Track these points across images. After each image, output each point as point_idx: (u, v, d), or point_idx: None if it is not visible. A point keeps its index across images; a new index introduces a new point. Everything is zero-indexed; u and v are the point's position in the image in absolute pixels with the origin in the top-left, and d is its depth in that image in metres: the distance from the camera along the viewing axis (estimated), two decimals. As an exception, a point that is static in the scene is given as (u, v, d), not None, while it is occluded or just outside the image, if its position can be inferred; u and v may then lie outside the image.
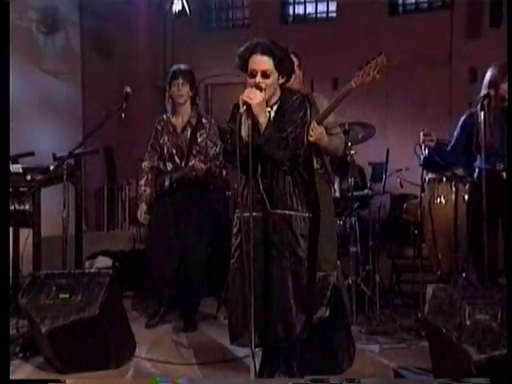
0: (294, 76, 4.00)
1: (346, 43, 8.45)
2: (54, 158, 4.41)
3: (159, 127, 4.57)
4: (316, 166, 4.05)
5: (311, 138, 3.87)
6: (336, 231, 4.26)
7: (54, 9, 7.73)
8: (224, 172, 4.42)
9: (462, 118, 4.18)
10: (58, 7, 7.77)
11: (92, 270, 4.37)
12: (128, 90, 4.25)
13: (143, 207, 4.58)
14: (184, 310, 4.63)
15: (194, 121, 4.48)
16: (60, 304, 3.58)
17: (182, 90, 4.42)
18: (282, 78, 3.12)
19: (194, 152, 4.43)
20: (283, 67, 3.09)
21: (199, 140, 4.45)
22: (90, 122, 7.60)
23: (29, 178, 4.46)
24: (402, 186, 5.87)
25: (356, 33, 8.58)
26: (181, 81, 4.42)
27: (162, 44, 9.84)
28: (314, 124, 3.83)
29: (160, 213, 4.54)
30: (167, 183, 4.47)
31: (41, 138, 6.78)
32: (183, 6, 8.64)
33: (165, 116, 4.58)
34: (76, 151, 4.31)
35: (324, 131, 3.88)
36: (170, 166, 4.50)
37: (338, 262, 4.14)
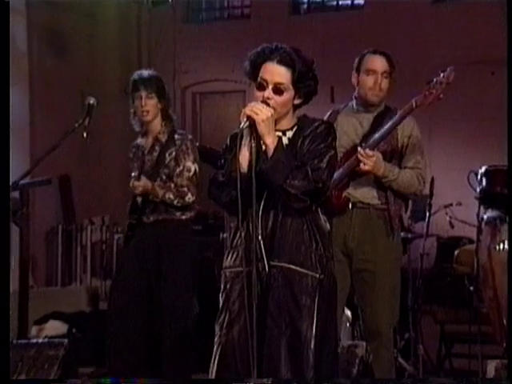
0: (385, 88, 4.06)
1: (377, 39, 8.52)
2: (-7, 190, 4.42)
3: (131, 155, 4.66)
4: (376, 201, 4.09)
5: (365, 167, 3.93)
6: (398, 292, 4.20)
7: (-11, -7, 7.81)
8: (190, 200, 4.47)
9: None
10: (-4, -9, 7.86)
11: (41, 340, 4.34)
12: (91, 101, 4.27)
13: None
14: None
15: (163, 138, 4.53)
16: (-2, 386, 3.55)
17: (148, 103, 4.46)
18: (299, 98, 3.09)
19: (163, 176, 4.48)
20: (303, 84, 3.06)
21: (167, 160, 4.50)
22: (41, 142, 7.64)
23: (-42, 216, 4.47)
24: (452, 226, 5.86)
25: (390, 25, 8.68)
26: (144, 93, 4.45)
27: (135, 40, 9.94)
28: (366, 150, 3.89)
29: (125, 264, 4.59)
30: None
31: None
32: (163, -9, 8.75)
33: (138, 141, 4.66)
34: (22, 181, 4.32)
35: (380, 158, 3.94)
36: (139, 200, 4.53)
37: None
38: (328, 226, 3.13)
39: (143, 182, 4.40)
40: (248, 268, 2.97)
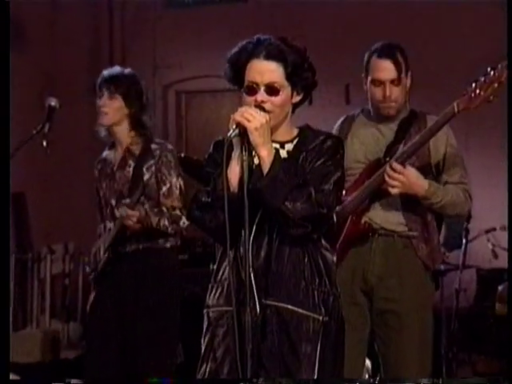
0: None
1: (400, 29, 8.55)
2: None
3: (96, 172, 4.73)
4: (402, 227, 4.05)
5: (393, 190, 3.89)
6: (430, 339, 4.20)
7: None
8: (184, 225, 4.45)
9: None
10: None
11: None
12: (53, 102, 4.28)
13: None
14: None
15: (136, 149, 4.57)
16: None
17: (107, 104, 4.52)
18: (297, 94, 3.12)
19: (141, 196, 4.48)
20: (300, 78, 3.09)
21: (146, 177, 4.53)
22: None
23: None
24: (495, 255, 5.85)
25: (416, 13, 8.69)
26: (106, 92, 4.52)
27: (107, 28, 9.96)
28: (393, 164, 3.85)
29: (99, 302, 4.63)
30: (102, 253, 4.55)
31: None
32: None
33: (104, 154, 4.73)
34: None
35: (418, 175, 3.91)
36: (110, 225, 4.59)
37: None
38: (332, 257, 3.13)
39: (137, 211, 4.41)
40: (235, 307, 2.96)
